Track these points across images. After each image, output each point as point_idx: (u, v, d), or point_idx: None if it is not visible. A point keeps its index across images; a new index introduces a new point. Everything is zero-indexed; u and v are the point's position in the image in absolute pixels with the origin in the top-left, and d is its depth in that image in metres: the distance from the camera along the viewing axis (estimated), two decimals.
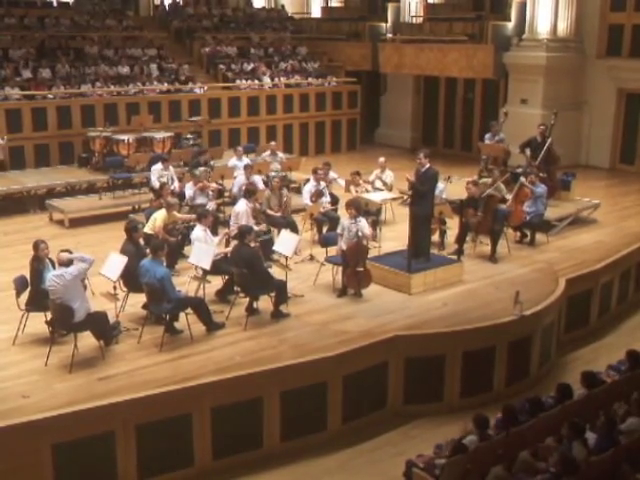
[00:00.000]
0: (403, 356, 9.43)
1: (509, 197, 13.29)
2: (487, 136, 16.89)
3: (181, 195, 13.31)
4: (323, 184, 13.65)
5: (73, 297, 8.52)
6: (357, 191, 13.89)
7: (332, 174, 14.30)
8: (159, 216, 11.38)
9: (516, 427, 7.34)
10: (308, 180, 14.30)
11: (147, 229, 11.17)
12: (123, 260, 9.36)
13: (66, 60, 19.61)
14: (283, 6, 28.24)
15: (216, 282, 10.59)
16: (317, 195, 13.42)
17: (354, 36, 24.63)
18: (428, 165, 11.27)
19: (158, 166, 14.29)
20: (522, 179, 13.46)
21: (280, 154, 16.57)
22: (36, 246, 9.24)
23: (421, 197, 11.18)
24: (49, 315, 8.88)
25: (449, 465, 6.68)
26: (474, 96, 22.63)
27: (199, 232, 10.73)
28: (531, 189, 13.23)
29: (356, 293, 10.79)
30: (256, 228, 11.45)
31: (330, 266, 11.19)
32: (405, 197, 11.34)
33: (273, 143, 16.88)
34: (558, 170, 15.57)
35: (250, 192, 12.17)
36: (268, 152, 16.31)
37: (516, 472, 6.87)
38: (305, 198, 13.65)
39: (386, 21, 24.18)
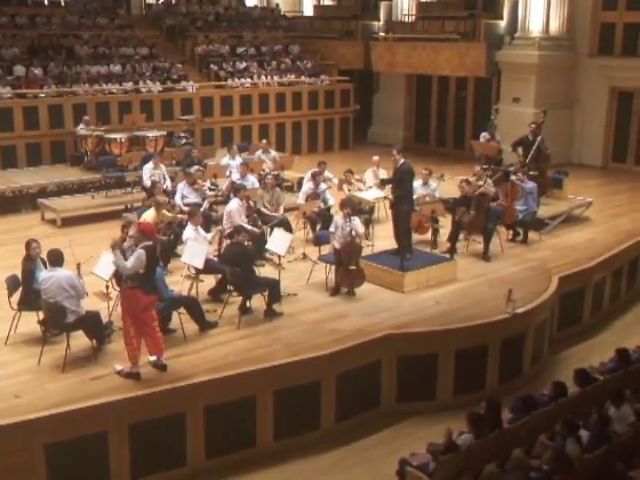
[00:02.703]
0: (396, 354, 9.44)
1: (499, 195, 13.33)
2: (483, 134, 16.86)
3: (172, 194, 13.28)
4: (323, 187, 13.61)
5: (65, 297, 8.50)
6: (350, 190, 13.90)
7: (327, 173, 14.29)
8: (148, 216, 11.30)
9: (510, 423, 7.38)
10: (302, 179, 14.30)
11: None
12: None
13: (58, 59, 19.53)
14: (277, 4, 28.20)
15: (209, 281, 10.58)
16: (313, 198, 13.38)
17: (347, 35, 24.61)
18: (402, 161, 11.29)
19: (149, 165, 14.27)
20: (512, 177, 13.49)
21: (273, 152, 16.54)
22: (28, 245, 9.22)
23: (404, 195, 11.29)
24: (41, 315, 8.86)
25: (442, 464, 6.69)
26: (466, 95, 22.66)
27: (190, 231, 10.71)
28: (520, 186, 13.27)
29: (349, 292, 10.79)
30: (248, 227, 11.45)
31: (323, 265, 11.19)
32: (390, 196, 11.49)
33: (264, 141, 16.81)
34: (550, 168, 15.60)
35: (237, 190, 12.21)
36: (260, 150, 16.27)
37: (509, 470, 6.88)
38: (300, 198, 13.65)
39: (379, 20, 24.19)
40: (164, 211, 11.65)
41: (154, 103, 19.39)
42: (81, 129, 17.16)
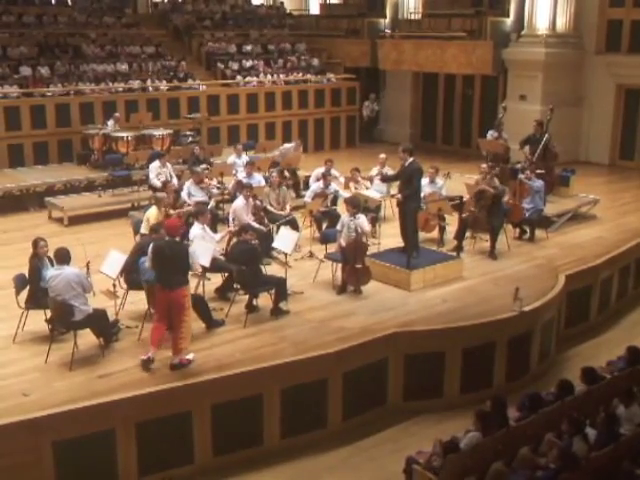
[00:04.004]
0: (403, 353, 9.44)
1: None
2: (490, 132, 16.83)
3: (179, 192, 13.30)
4: (333, 188, 13.60)
5: (72, 295, 8.52)
6: (356, 188, 13.90)
7: (333, 171, 14.29)
8: (151, 215, 11.32)
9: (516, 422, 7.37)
10: (309, 177, 14.27)
11: (143, 230, 11.18)
12: (122, 257, 9.38)
13: (65, 57, 19.58)
14: (282, 3, 28.20)
15: (216, 279, 10.59)
16: (321, 197, 13.38)
17: (353, 33, 24.59)
18: (411, 159, 11.27)
19: (156, 163, 14.30)
20: (521, 176, 13.47)
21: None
22: (35, 244, 9.25)
23: (413, 194, 11.33)
24: (49, 313, 8.89)
25: (449, 462, 6.68)
26: (473, 92, 22.61)
27: (197, 230, 10.71)
28: (529, 185, 13.25)
29: (355, 290, 10.79)
30: (255, 226, 11.47)
31: (330, 263, 11.19)
32: (398, 195, 11.50)
33: (299, 141, 17.03)
34: (557, 166, 15.56)
35: (243, 188, 12.25)
36: (292, 144, 16.37)
37: (516, 468, 6.88)
38: (307, 196, 13.65)
39: (385, 17, 24.15)
40: (171, 210, 11.68)
41: (161, 102, 19.41)
42: (109, 127, 17.15)
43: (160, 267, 8.49)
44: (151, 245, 8.69)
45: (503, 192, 12.69)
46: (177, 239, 8.67)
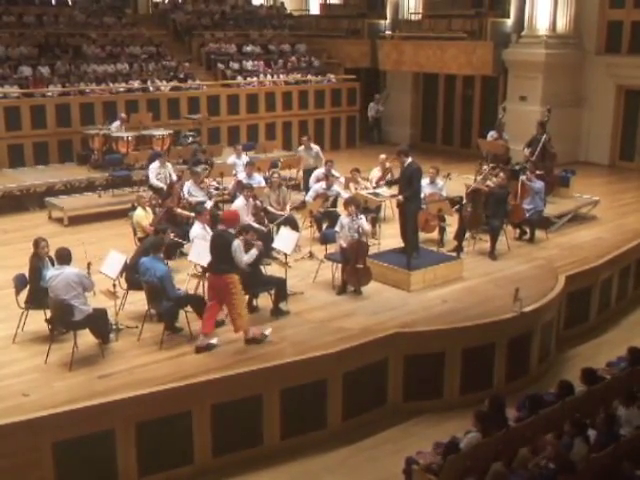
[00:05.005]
0: (403, 353, 9.44)
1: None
2: (491, 133, 16.83)
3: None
4: (335, 190, 13.57)
5: (73, 295, 8.52)
6: (356, 188, 13.89)
7: (333, 172, 14.28)
8: (139, 217, 11.34)
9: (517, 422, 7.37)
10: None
11: (140, 234, 11.22)
12: (122, 258, 9.39)
13: (65, 58, 19.58)
14: (282, 3, 28.21)
15: None
16: (322, 197, 13.37)
17: (353, 33, 24.61)
18: (409, 159, 11.27)
19: (155, 164, 14.30)
20: (522, 177, 13.47)
21: (315, 147, 16.35)
22: (36, 244, 9.25)
23: (414, 193, 11.34)
24: (49, 313, 8.89)
25: (449, 463, 6.69)
26: (473, 93, 22.62)
27: (198, 229, 10.73)
28: (529, 185, 13.25)
29: (356, 290, 10.79)
30: (255, 226, 11.47)
31: (330, 263, 11.19)
32: (400, 197, 11.48)
33: (305, 138, 16.66)
34: (557, 167, 15.56)
35: (243, 188, 12.25)
36: (302, 147, 16.28)
37: (516, 468, 6.88)
38: (309, 196, 13.62)
39: (385, 18, 24.17)
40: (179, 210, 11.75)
41: (161, 102, 19.41)
42: (114, 128, 17.11)
43: (211, 253, 9.20)
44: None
45: (506, 192, 12.69)
46: (230, 230, 9.15)
